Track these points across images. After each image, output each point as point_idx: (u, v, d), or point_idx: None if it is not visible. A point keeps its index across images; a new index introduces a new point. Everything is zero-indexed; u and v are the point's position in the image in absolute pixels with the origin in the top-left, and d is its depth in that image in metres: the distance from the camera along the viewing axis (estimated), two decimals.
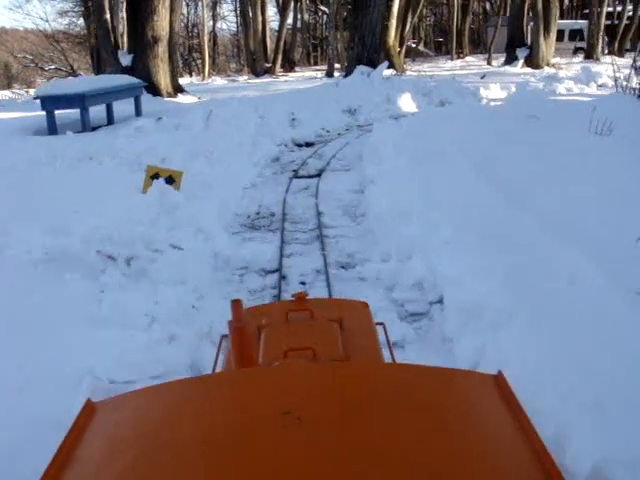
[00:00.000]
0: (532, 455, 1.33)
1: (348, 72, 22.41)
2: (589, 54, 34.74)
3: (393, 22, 26.22)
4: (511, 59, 29.89)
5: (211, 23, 43.32)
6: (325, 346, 2.01)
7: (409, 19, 31.80)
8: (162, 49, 17.23)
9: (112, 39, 17.88)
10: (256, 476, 1.24)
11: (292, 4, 37.15)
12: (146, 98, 16.65)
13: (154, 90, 17.16)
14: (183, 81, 31.19)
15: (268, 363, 1.91)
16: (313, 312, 2.30)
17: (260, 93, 19.34)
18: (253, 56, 33.42)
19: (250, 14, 33.28)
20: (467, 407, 1.52)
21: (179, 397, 1.58)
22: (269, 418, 1.39)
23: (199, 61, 35.17)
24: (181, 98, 17.80)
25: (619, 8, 38.81)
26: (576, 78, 20.95)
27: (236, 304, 1.91)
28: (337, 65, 33.89)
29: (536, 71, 27.87)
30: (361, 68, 21.47)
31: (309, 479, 1.23)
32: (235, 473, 1.25)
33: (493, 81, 20.06)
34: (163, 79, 17.47)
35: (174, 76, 18.70)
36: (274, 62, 33.91)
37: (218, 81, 29.40)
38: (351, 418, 1.40)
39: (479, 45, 51.71)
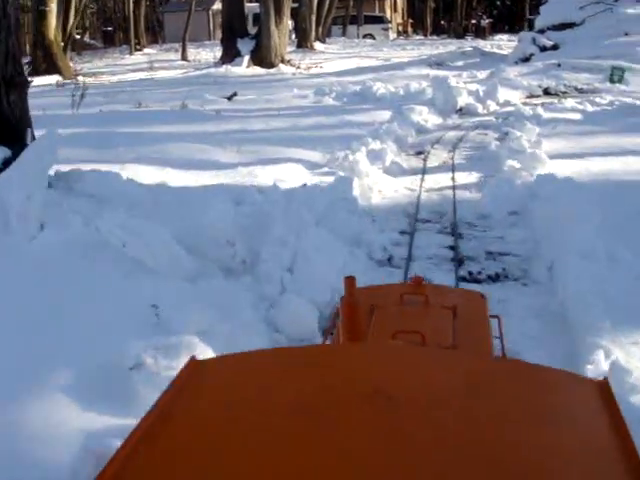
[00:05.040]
0: (626, 474, 1.19)
1: None
2: (302, 42, 29.40)
3: (53, 7, 20.46)
4: (231, 55, 22.44)
5: None
6: (435, 332, 2.05)
7: (73, 3, 24.21)
8: None
9: None
10: (331, 448, 1.23)
11: None
12: None
13: None
14: None
15: (376, 341, 1.99)
16: (428, 297, 2.35)
17: None
18: None
19: None
20: (563, 411, 1.41)
21: (280, 364, 1.59)
22: (359, 393, 1.40)
23: None
24: None
25: None
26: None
27: (350, 280, 1.96)
28: None
29: (274, 71, 20.99)
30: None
31: (381, 458, 1.19)
32: (314, 443, 1.25)
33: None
34: None
35: None
36: None
37: None
38: (440, 407, 1.36)
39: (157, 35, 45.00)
